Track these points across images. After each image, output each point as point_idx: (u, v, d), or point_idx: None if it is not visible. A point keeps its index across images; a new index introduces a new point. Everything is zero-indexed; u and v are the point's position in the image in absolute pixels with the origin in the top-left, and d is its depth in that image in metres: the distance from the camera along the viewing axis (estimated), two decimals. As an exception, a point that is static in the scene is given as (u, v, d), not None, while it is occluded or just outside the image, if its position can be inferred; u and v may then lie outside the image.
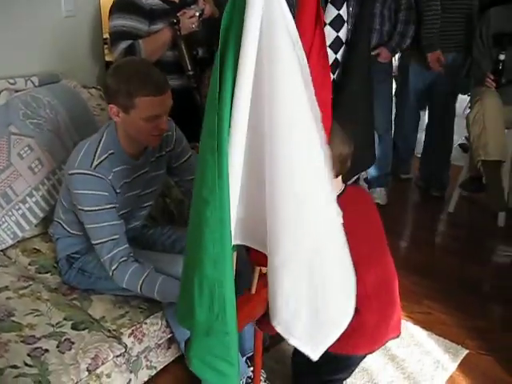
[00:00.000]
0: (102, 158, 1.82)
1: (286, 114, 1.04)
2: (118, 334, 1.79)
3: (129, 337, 1.80)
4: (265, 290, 1.45)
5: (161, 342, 1.94)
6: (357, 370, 2.18)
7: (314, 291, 1.20)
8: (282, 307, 1.19)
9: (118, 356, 1.75)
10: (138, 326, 1.83)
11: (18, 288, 1.95)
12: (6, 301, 1.88)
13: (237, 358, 1.23)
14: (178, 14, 2.46)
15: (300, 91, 1.04)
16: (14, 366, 1.61)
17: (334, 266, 1.24)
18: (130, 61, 1.98)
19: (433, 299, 2.70)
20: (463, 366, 2.28)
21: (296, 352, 1.76)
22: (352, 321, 1.39)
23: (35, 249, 2.22)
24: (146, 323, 1.86)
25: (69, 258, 2.01)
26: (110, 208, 1.82)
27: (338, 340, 1.40)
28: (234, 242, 1.17)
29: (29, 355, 1.65)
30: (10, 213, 2.18)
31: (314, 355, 1.27)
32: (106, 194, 1.81)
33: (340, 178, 1.58)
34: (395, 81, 3.86)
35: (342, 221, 1.23)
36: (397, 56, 3.83)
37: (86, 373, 1.66)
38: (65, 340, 1.72)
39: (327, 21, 1.36)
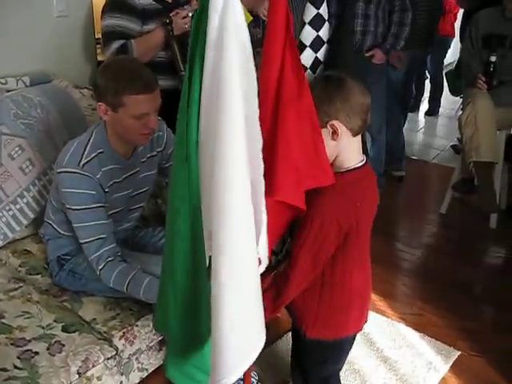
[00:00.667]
0: (91, 157, 1.82)
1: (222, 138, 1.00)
2: (108, 337, 1.78)
3: (120, 339, 1.79)
4: None
5: (152, 344, 1.92)
6: (349, 371, 2.20)
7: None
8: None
9: (108, 358, 1.74)
10: (129, 328, 1.82)
11: (8, 290, 1.93)
12: (-5, 303, 1.87)
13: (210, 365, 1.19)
14: (171, 14, 2.45)
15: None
16: (4, 369, 1.59)
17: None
18: (118, 59, 1.99)
19: (425, 301, 2.70)
20: (455, 368, 2.28)
21: (294, 352, 1.77)
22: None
23: (26, 250, 2.20)
24: (137, 325, 1.85)
25: (59, 259, 2.00)
26: (98, 207, 1.82)
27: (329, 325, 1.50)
28: (208, 253, 1.14)
29: (19, 358, 1.64)
30: (1, 214, 2.16)
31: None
32: (94, 192, 1.81)
33: (360, 145, 1.49)
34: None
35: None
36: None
37: (77, 376, 1.65)
38: (55, 342, 1.71)
39: (307, 20, 1.37)
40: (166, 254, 1.13)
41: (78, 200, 1.80)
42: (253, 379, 2.03)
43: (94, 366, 1.69)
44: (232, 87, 0.96)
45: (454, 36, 5.36)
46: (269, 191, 1.19)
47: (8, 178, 2.17)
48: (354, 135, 1.45)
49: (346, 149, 1.46)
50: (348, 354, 1.77)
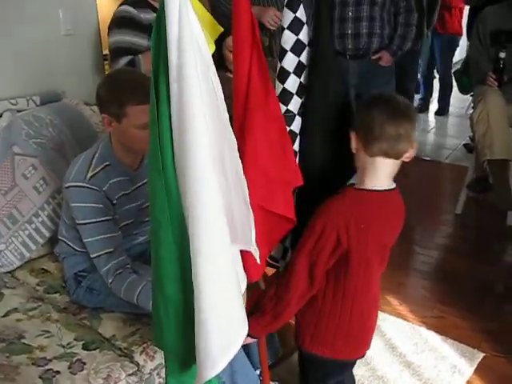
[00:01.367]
0: (97, 170, 1.83)
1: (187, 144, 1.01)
2: (129, 353, 1.77)
3: (140, 354, 1.78)
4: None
5: (173, 358, 1.91)
6: (372, 378, 2.18)
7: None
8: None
9: (130, 375, 1.72)
10: (149, 343, 1.81)
11: (27, 309, 1.93)
12: (15, 323, 1.87)
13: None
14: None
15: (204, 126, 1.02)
16: (26, 390, 1.59)
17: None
18: (120, 71, 2.03)
19: (445, 303, 2.67)
20: (480, 370, 2.25)
21: (302, 362, 1.75)
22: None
23: (43, 269, 2.20)
24: (157, 340, 1.84)
25: (76, 276, 2.00)
26: (106, 220, 1.83)
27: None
28: None
29: (40, 377, 1.63)
30: (17, 234, 2.17)
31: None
32: (101, 206, 1.82)
33: (391, 171, 1.48)
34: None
35: None
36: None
37: (99, 393, 1.64)
38: (76, 361, 1.70)
39: (285, 25, 1.37)
40: (153, 267, 1.14)
41: (86, 214, 1.82)
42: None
43: (115, 383, 1.68)
44: (194, 98, 0.98)
45: (461, 34, 5.33)
46: None
47: (22, 197, 2.18)
48: (371, 155, 1.43)
49: (368, 166, 1.45)
50: (351, 372, 1.75)
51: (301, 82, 1.44)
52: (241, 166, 1.16)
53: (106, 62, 2.94)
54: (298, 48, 1.40)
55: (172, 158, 1.03)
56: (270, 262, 1.53)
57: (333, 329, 1.57)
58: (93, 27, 2.83)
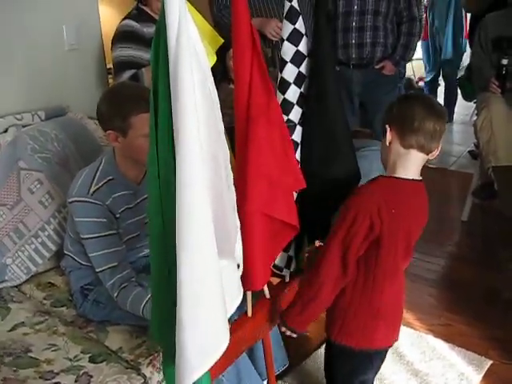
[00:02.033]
0: (100, 184, 1.85)
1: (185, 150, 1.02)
2: (136, 365, 1.77)
3: (147, 366, 1.78)
4: (261, 313, 1.47)
5: (179, 369, 1.91)
6: (380, 387, 2.17)
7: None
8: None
9: (137, 387, 1.73)
10: (155, 355, 1.81)
11: (34, 323, 1.94)
12: (22, 337, 1.87)
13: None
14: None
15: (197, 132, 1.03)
16: (34, 404, 1.60)
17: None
18: (120, 85, 2.06)
19: (452, 311, 2.66)
20: (488, 378, 2.24)
21: (329, 360, 1.77)
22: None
23: (49, 283, 2.21)
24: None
25: (83, 290, 2.01)
26: (109, 235, 1.84)
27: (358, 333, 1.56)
28: None
29: (48, 391, 1.64)
30: (23, 248, 2.18)
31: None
32: (105, 220, 1.84)
33: (420, 164, 1.56)
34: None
35: None
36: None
37: (107, 406, 1.64)
38: (83, 374, 1.71)
39: (284, 37, 1.39)
40: (152, 274, 1.16)
41: (89, 228, 1.83)
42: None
43: (122, 396, 1.68)
44: (189, 106, 0.99)
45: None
46: (242, 201, 1.24)
47: (28, 212, 2.20)
48: (405, 147, 1.50)
49: (398, 158, 1.52)
50: (378, 368, 1.76)
51: (301, 93, 1.46)
52: (232, 175, 1.17)
53: (109, 76, 2.97)
54: (297, 59, 1.42)
55: (169, 166, 1.05)
56: (275, 271, 1.53)
57: (363, 317, 1.60)
58: (96, 42, 2.86)
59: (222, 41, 1.34)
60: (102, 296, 1.95)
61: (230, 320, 1.39)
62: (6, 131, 2.33)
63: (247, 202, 1.23)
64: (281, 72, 1.43)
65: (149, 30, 2.47)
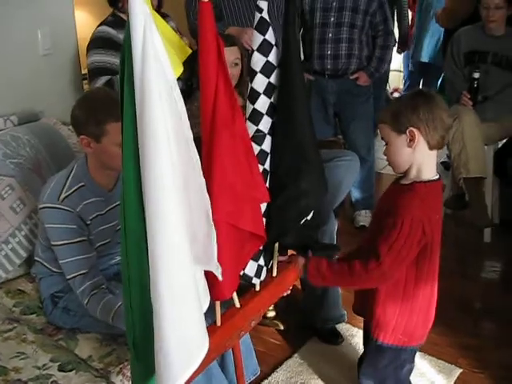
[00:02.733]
0: (71, 191, 1.84)
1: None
2: (106, 373, 1.76)
3: (117, 375, 1.76)
4: (230, 322, 1.48)
5: (150, 378, 1.90)
6: (351, 395, 2.18)
7: None
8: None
9: (106, 396, 1.72)
10: (125, 363, 1.80)
11: (2, 331, 1.91)
12: (-10, 345, 1.85)
13: None
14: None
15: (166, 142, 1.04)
16: (0, 413, 1.57)
17: None
18: (95, 91, 2.07)
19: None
20: (458, 386, 2.27)
21: (372, 361, 1.83)
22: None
23: (19, 290, 2.18)
24: (134, 360, 1.82)
25: (53, 297, 1.99)
26: (80, 241, 1.83)
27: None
28: None
29: (15, 400, 1.62)
30: (-7, 254, 2.15)
31: None
32: (75, 226, 1.83)
33: (435, 162, 1.62)
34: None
35: None
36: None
37: (75, 416, 1.62)
38: (52, 382, 1.68)
39: (255, 47, 1.40)
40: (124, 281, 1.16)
41: (59, 235, 1.82)
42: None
43: (91, 405, 1.67)
44: (155, 116, 1.00)
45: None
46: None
47: (-1, 218, 2.17)
48: (430, 148, 1.57)
49: (423, 160, 1.58)
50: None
51: (271, 103, 1.47)
52: (204, 184, 1.17)
53: (84, 82, 2.95)
54: (267, 69, 1.43)
55: (134, 173, 1.05)
56: (244, 280, 1.53)
57: (415, 316, 1.69)
58: (72, 47, 2.85)
59: (190, 51, 1.34)
60: (72, 303, 1.93)
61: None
62: (-23, 136, 2.30)
63: (212, 211, 1.23)
64: (251, 82, 1.44)
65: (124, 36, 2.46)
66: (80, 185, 1.86)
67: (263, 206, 1.49)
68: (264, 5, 1.39)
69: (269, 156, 1.50)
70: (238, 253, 1.36)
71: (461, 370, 2.35)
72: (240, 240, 1.35)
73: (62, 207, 1.81)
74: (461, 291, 2.94)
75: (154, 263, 1.05)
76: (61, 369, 1.74)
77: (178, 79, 2.65)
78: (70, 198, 1.83)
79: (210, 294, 1.34)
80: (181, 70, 1.22)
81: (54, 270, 1.97)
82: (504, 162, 3.40)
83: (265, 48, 1.41)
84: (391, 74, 5.87)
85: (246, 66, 2.47)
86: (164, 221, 1.03)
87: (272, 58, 1.43)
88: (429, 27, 5.08)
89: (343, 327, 2.57)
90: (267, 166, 1.50)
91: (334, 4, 3.24)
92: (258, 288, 1.61)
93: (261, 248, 1.53)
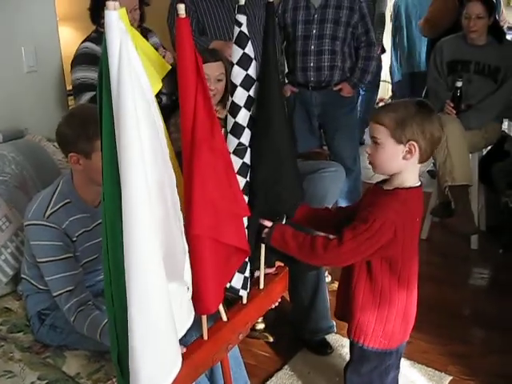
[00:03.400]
0: (56, 208, 1.83)
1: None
2: (94, 390, 1.75)
3: (106, 392, 1.76)
4: (217, 335, 1.48)
5: (139, 394, 1.89)
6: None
7: None
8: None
9: (95, 413, 1.70)
10: (114, 380, 1.78)
11: (-11, 350, 1.90)
12: (-24, 365, 1.83)
13: None
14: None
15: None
16: (-13, 433, 1.56)
17: None
18: (80, 107, 2.05)
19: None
20: (447, 394, 2.27)
21: (353, 366, 1.83)
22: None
23: (6, 308, 2.15)
24: (122, 376, 1.81)
25: (40, 314, 1.97)
26: (66, 258, 1.82)
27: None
28: None
29: (2, 420, 1.60)
30: (-21, 273, 2.14)
31: None
32: (61, 243, 1.82)
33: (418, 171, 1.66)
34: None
35: None
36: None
37: (63, 434, 1.61)
38: (39, 401, 1.68)
39: (234, 61, 1.42)
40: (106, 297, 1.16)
41: (45, 252, 1.81)
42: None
43: (80, 423, 1.65)
44: (131, 133, 1.01)
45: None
46: (189, 225, 1.25)
47: (-15, 235, 2.16)
48: (421, 162, 1.61)
49: (410, 169, 1.61)
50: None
51: (250, 116, 1.48)
52: (179, 200, 1.18)
53: (70, 98, 2.95)
54: (247, 83, 1.44)
55: (112, 189, 1.06)
56: (231, 292, 1.54)
57: (392, 320, 1.70)
58: (56, 63, 2.85)
59: (170, 67, 1.35)
60: (58, 320, 1.91)
61: (186, 343, 1.40)
62: (-38, 154, 2.29)
63: (193, 226, 1.24)
64: (231, 96, 1.45)
65: (108, 52, 2.48)
66: (66, 201, 1.86)
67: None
68: (243, 19, 1.40)
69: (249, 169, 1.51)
70: (222, 267, 1.36)
71: (451, 378, 2.36)
72: (223, 254, 1.35)
73: (48, 224, 1.81)
74: (449, 298, 2.96)
75: (127, 282, 1.05)
76: (49, 387, 1.73)
77: (162, 94, 2.68)
78: (56, 215, 1.82)
79: (195, 309, 1.35)
80: (160, 86, 1.22)
81: (41, 287, 1.95)
82: (489, 168, 3.44)
83: (244, 62, 1.42)
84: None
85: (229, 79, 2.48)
86: (138, 238, 1.03)
87: (251, 71, 1.44)
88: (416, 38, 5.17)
89: (333, 338, 2.57)
90: (249, 178, 1.51)
91: (316, 16, 3.27)
92: (245, 300, 1.61)
93: (246, 260, 1.53)
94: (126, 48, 0.98)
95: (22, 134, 2.56)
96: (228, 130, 1.46)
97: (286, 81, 3.55)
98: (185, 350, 1.39)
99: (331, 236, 1.61)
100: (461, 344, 2.58)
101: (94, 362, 1.85)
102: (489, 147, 3.68)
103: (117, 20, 0.97)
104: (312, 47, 3.31)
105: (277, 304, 1.82)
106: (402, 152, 1.56)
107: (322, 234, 1.67)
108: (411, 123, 1.54)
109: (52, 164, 2.46)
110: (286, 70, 3.56)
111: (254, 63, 1.44)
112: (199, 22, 3.07)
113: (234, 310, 1.59)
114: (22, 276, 2.03)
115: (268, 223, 1.63)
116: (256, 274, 1.66)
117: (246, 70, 1.43)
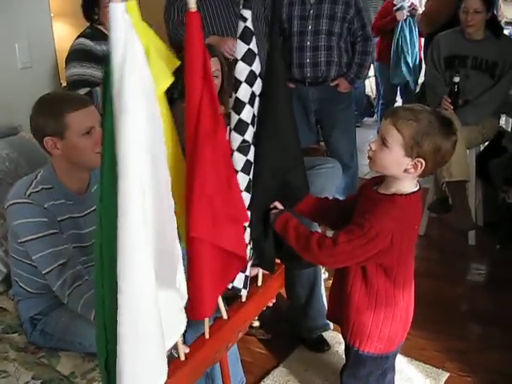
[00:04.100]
0: (38, 189, 1.77)
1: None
2: (89, 390, 1.74)
3: (101, 391, 1.75)
4: (218, 334, 1.47)
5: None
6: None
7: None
8: None
9: (90, 412, 1.69)
10: (109, 379, 1.78)
11: (-17, 350, 1.88)
12: (-29, 365, 1.81)
13: None
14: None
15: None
16: (-19, 434, 1.54)
17: None
18: (49, 93, 2.03)
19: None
20: (445, 390, 2.27)
21: (350, 370, 1.82)
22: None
23: (1, 308, 2.13)
24: (117, 375, 1.80)
25: (32, 319, 1.93)
26: (52, 234, 1.74)
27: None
28: None
29: (-4, 420, 1.59)
30: (-29, 273, 2.11)
31: None
32: (45, 219, 1.74)
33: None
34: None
35: None
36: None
37: (58, 434, 1.60)
38: (34, 401, 1.66)
39: (239, 57, 1.39)
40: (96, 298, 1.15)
41: (30, 229, 1.72)
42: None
43: (75, 423, 1.64)
44: (131, 129, 0.98)
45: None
46: (188, 227, 1.23)
47: (-24, 235, 2.14)
48: (418, 177, 1.57)
49: (410, 179, 1.57)
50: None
51: (253, 112, 1.46)
52: (173, 205, 1.15)
53: (65, 94, 2.93)
54: (251, 79, 1.41)
55: (109, 188, 1.03)
56: (233, 291, 1.53)
57: (388, 324, 1.67)
58: (50, 59, 2.83)
59: (179, 62, 1.33)
60: (48, 326, 1.88)
61: (186, 343, 1.38)
62: (-45, 151, 2.27)
63: (191, 228, 1.21)
64: (235, 92, 1.42)
65: (103, 48, 2.47)
66: (48, 186, 1.79)
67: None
68: (248, 14, 1.37)
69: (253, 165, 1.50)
70: (218, 272, 1.34)
71: (448, 374, 2.35)
72: (220, 260, 1.33)
73: (29, 201, 1.73)
74: (446, 294, 2.96)
75: (121, 288, 1.03)
76: (43, 386, 1.72)
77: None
78: (38, 194, 1.75)
79: (190, 314, 1.33)
80: (170, 80, 1.19)
81: (32, 291, 1.92)
82: (486, 164, 3.43)
83: (249, 57, 1.40)
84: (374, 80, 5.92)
85: (226, 75, 2.46)
86: (132, 245, 1.01)
87: (255, 67, 1.42)
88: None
89: (330, 334, 2.56)
90: (252, 175, 1.49)
91: (311, 12, 3.26)
92: (244, 299, 1.60)
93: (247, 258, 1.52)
94: (131, 45, 0.95)
95: (17, 130, 2.54)
96: (232, 127, 1.43)
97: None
98: (188, 350, 1.38)
99: (329, 235, 1.60)
100: (458, 340, 2.58)
101: (89, 361, 1.84)
102: (486, 143, 3.66)
103: (122, 13, 0.94)
104: (308, 43, 3.29)
105: (274, 301, 1.81)
106: (407, 165, 1.50)
107: (320, 231, 1.66)
108: (428, 142, 1.47)
109: (46, 160, 2.43)
110: (284, 66, 3.55)
111: (257, 59, 1.42)
112: None
113: (234, 309, 1.57)
114: (13, 278, 1.98)
115: (280, 206, 1.63)
116: (253, 271, 1.65)
117: (251, 65, 1.40)
